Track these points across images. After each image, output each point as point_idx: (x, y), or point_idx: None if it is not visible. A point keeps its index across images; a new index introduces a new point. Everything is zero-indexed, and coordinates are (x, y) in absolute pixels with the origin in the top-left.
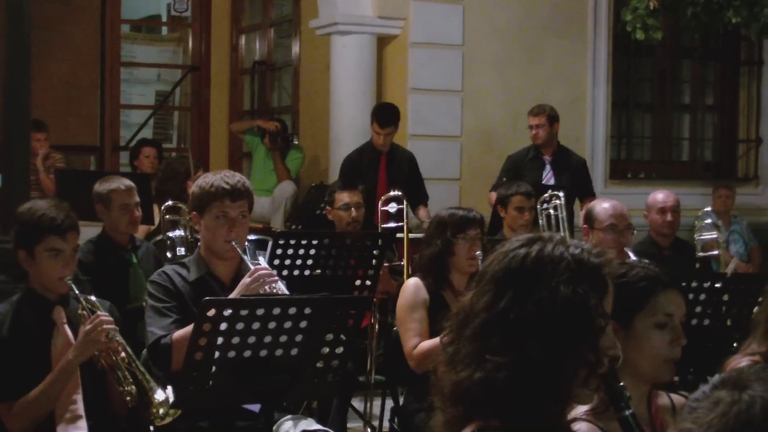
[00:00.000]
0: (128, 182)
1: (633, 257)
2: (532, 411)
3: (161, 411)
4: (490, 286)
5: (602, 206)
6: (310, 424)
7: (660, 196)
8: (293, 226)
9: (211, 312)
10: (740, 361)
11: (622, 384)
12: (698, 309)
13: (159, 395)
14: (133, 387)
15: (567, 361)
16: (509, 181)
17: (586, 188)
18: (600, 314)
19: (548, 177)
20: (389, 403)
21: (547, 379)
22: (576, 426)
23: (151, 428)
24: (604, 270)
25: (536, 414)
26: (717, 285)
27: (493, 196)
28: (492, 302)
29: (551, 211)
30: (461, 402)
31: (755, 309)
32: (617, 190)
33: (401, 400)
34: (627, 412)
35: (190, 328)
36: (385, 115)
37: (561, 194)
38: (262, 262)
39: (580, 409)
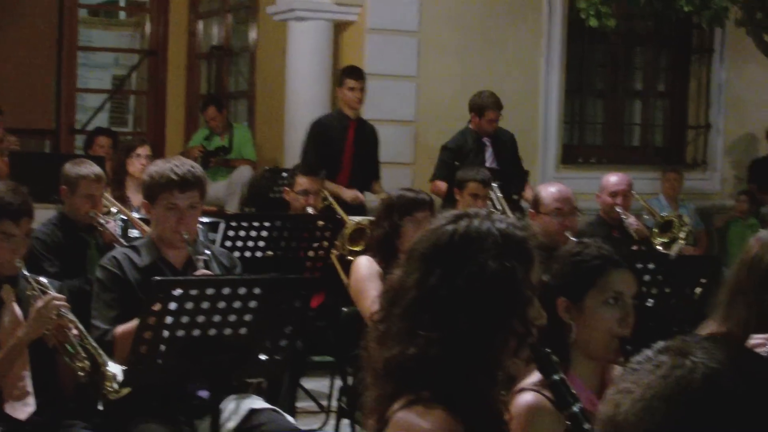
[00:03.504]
0: (99, 171)
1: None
2: (463, 383)
3: (115, 384)
4: (419, 263)
5: (548, 190)
6: (257, 402)
7: (613, 179)
8: (247, 210)
9: (161, 291)
10: None
11: (548, 350)
12: (643, 290)
13: (112, 368)
14: (87, 362)
15: (497, 333)
16: (469, 166)
17: (516, 163)
18: (527, 286)
19: (490, 159)
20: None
21: (478, 351)
22: (523, 396)
23: (100, 407)
24: (529, 243)
25: (467, 385)
26: (662, 266)
27: (438, 185)
28: (422, 279)
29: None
30: (393, 377)
31: (697, 290)
32: (569, 174)
33: (350, 380)
34: (556, 377)
35: (134, 323)
36: (357, 70)
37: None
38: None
39: (529, 380)
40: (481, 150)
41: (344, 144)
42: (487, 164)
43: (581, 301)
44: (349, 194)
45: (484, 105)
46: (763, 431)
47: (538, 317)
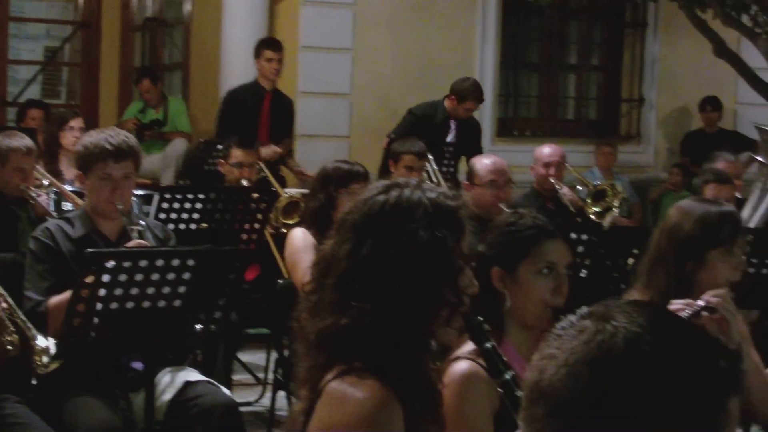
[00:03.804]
0: (30, 144)
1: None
2: (395, 352)
3: (44, 359)
4: (350, 234)
5: (482, 162)
6: (192, 374)
7: (546, 150)
8: (182, 183)
9: (94, 264)
10: None
11: (480, 318)
12: (576, 260)
13: (41, 342)
14: (16, 336)
15: (429, 302)
16: (404, 138)
17: (475, 149)
18: (458, 255)
19: (451, 137)
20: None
21: (410, 321)
22: (458, 364)
23: (33, 381)
24: (460, 212)
25: (399, 354)
26: (594, 237)
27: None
28: (353, 250)
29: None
30: (326, 348)
31: (630, 261)
32: (504, 147)
33: (286, 352)
34: (488, 345)
35: (67, 294)
36: (275, 41)
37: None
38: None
39: (464, 348)
40: (446, 129)
41: (259, 115)
42: (448, 140)
43: (515, 271)
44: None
45: (467, 94)
46: (684, 393)
47: (469, 286)
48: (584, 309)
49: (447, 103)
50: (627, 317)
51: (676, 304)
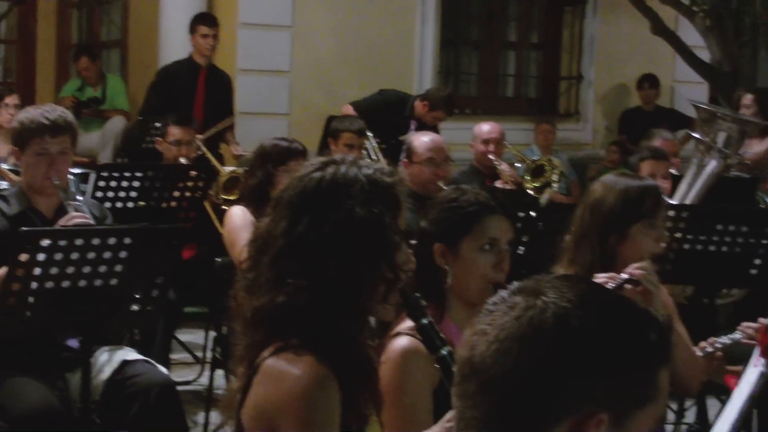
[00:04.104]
0: None
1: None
2: (332, 329)
3: None
4: (287, 211)
5: (421, 140)
6: (130, 354)
7: (485, 127)
8: (120, 161)
9: (28, 242)
10: None
11: (417, 294)
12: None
13: None
14: None
15: (365, 279)
16: (343, 116)
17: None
18: (395, 231)
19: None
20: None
21: (346, 297)
22: (398, 340)
23: None
24: (396, 188)
25: (336, 331)
26: (532, 214)
27: (349, 109)
28: (290, 227)
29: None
30: (262, 325)
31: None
32: (444, 125)
33: (225, 331)
34: (425, 321)
35: (1, 272)
36: (210, 16)
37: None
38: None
39: (404, 324)
40: (405, 126)
41: (194, 92)
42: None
43: (457, 247)
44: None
45: (440, 104)
46: (614, 366)
47: (406, 262)
48: (515, 284)
49: (417, 105)
50: (557, 292)
51: (599, 278)
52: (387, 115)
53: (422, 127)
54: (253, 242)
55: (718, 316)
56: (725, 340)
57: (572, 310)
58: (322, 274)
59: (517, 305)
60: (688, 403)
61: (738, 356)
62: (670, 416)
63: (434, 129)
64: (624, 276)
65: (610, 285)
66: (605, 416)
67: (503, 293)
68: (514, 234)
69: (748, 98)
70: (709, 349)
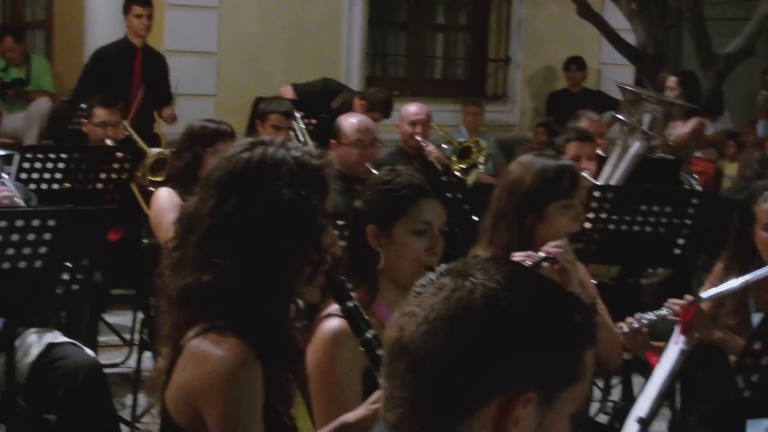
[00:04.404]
0: None
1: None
2: (257, 310)
3: None
4: (214, 191)
5: (349, 121)
6: (56, 336)
7: (412, 108)
8: (46, 143)
9: None
10: None
11: (343, 278)
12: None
13: None
14: None
15: (291, 260)
16: (271, 98)
17: None
18: (321, 214)
19: None
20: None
21: (272, 279)
22: (328, 322)
23: None
24: (324, 171)
25: (261, 312)
26: (459, 195)
27: (287, 90)
28: (217, 207)
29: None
30: (187, 305)
31: None
32: None
33: (152, 313)
34: (350, 304)
35: None
36: None
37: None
38: (6, 180)
39: (335, 306)
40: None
41: (131, 73)
42: None
43: (390, 229)
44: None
45: (378, 106)
46: (541, 347)
47: (332, 245)
48: (443, 266)
49: (356, 103)
50: (485, 274)
51: (517, 257)
52: (324, 99)
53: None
54: (179, 221)
55: (643, 296)
56: (651, 316)
57: (500, 291)
58: (248, 255)
59: (445, 286)
60: (614, 380)
61: (663, 333)
62: (596, 393)
63: None
64: (541, 254)
65: (528, 263)
66: (532, 395)
67: (431, 275)
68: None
69: (672, 80)
70: (636, 325)
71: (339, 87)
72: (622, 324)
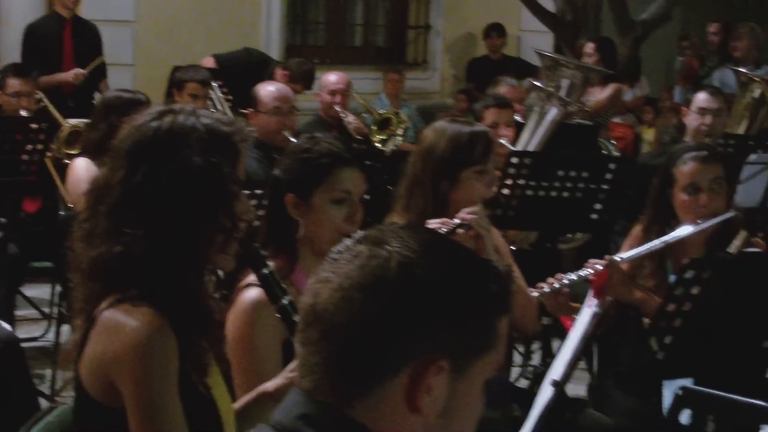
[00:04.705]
0: None
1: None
2: (169, 279)
3: None
4: (124, 160)
5: (266, 89)
6: None
7: (332, 78)
8: None
9: None
10: None
11: (257, 245)
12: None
13: None
14: None
15: (203, 228)
16: (188, 66)
17: None
18: (234, 181)
19: None
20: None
21: (184, 247)
22: (247, 291)
23: None
24: (235, 137)
25: (174, 281)
26: (377, 164)
27: (208, 61)
28: (127, 177)
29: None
30: (100, 276)
31: None
32: None
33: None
34: (265, 271)
35: None
36: None
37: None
38: None
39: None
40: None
41: (62, 45)
42: None
43: (310, 198)
44: (69, 75)
45: (300, 78)
46: (455, 315)
47: (245, 212)
48: (359, 233)
49: (278, 73)
50: (400, 242)
51: (432, 224)
52: (247, 74)
53: None
54: (90, 192)
55: (562, 261)
56: (572, 276)
57: (416, 259)
58: (160, 224)
59: (361, 254)
60: (534, 345)
61: (583, 296)
62: (517, 358)
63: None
64: (456, 221)
65: (443, 230)
66: (445, 363)
67: (347, 242)
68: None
69: (590, 47)
70: (556, 285)
71: (260, 57)
72: (542, 284)
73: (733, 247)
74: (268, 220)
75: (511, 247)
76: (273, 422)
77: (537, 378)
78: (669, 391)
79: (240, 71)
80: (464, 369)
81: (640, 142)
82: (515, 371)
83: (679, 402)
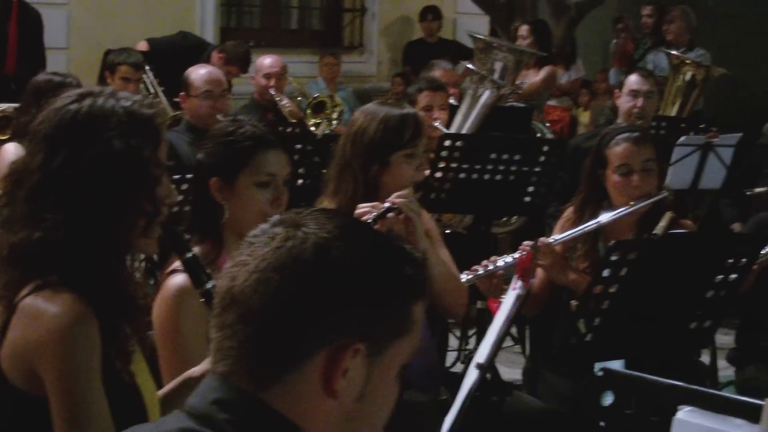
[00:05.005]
0: None
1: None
2: (90, 264)
3: None
4: (42, 145)
5: (198, 72)
6: None
7: (267, 61)
8: None
9: None
10: None
11: (181, 229)
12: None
13: None
14: None
15: (125, 213)
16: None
17: None
18: (155, 164)
19: None
20: None
21: (105, 232)
22: (173, 278)
23: None
24: (156, 120)
25: (95, 267)
26: (309, 147)
27: (141, 45)
28: (46, 161)
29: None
30: (20, 263)
31: None
32: None
33: None
34: (189, 255)
35: None
36: None
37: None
38: None
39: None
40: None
41: (7, 29)
42: None
43: (234, 182)
44: None
45: (236, 60)
46: (370, 299)
47: (168, 196)
48: (277, 216)
49: (213, 56)
50: (317, 224)
51: (362, 208)
52: (183, 57)
53: None
54: (8, 176)
55: (497, 245)
56: (506, 259)
57: (332, 241)
58: (80, 209)
59: (277, 236)
60: (470, 330)
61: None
62: (453, 342)
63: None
64: (386, 205)
65: (373, 214)
66: (361, 346)
67: (264, 225)
68: (293, 168)
69: (524, 29)
70: (490, 268)
71: (196, 40)
72: (476, 267)
73: (659, 228)
74: (193, 206)
75: (446, 231)
76: (187, 407)
77: (471, 362)
78: None
79: (175, 55)
80: (380, 353)
81: (577, 124)
82: (452, 355)
83: (600, 384)
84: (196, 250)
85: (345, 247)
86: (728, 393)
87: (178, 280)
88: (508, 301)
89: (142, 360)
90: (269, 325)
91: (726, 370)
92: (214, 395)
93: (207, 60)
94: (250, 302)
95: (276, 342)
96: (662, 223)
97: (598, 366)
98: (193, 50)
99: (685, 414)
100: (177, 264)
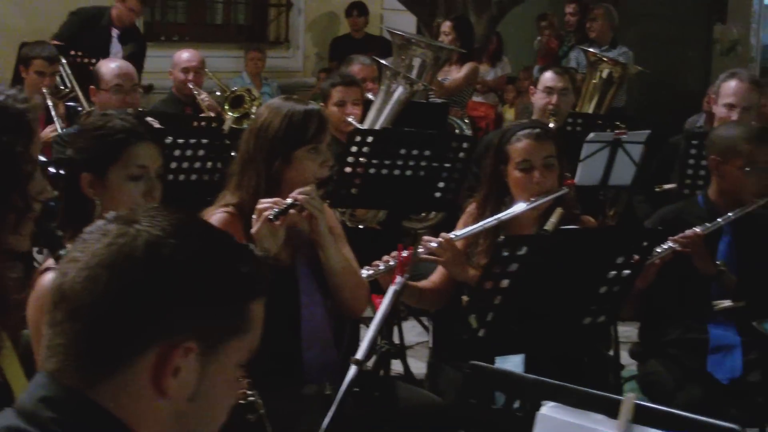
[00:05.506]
0: None
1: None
2: None
3: None
4: None
5: (108, 66)
6: None
7: (185, 55)
8: None
9: None
10: (215, 213)
11: (54, 225)
12: (174, 165)
13: None
14: None
15: None
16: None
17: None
18: (26, 160)
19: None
20: None
21: None
22: (46, 275)
23: None
24: (28, 115)
25: None
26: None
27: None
28: None
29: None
30: None
31: None
32: (152, 53)
33: None
34: (62, 252)
35: None
36: None
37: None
38: None
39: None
40: (107, 37)
41: None
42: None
43: (105, 176)
44: None
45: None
46: (203, 297)
47: (41, 192)
48: (112, 213)
49: (114, 9)
50: (150, 221)
51: (264, 203)
52: (87, 31)
53: (125, 32)
54: None
55: (416, 240)
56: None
57: (164, 238)
58: None
59: (109, 232)
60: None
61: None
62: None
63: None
64: (288, 201)
65: (275, 210)
66: (193, 345)
67: (100, 221)
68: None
69: (446, 25)
70: (392, 263)
71: (90, 10)
72: (378, 263)
73: (549, 224)
74: (65, 202)
75: (359, 226)
76: (17, 405)
77: (381, 357)
78: (506, 367)
79: (82, 34)
80: (214, 352)
81: (502, 121)
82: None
83: (467, 379)
84: (68, 246)
85: (177, 245)
86: (630, 387)
87: (50, 277)
88: (387, 297)
89: (13, 356)
90: (98, 322)
91: (631, 366)
92: (41, 393)
93: (109, 18)
94: (79, 299)
95: (104, 339)
96: (552, 219)
97: (498, 361)
98: (91, 20)
99: (548, 409)
100: (50, 262)
